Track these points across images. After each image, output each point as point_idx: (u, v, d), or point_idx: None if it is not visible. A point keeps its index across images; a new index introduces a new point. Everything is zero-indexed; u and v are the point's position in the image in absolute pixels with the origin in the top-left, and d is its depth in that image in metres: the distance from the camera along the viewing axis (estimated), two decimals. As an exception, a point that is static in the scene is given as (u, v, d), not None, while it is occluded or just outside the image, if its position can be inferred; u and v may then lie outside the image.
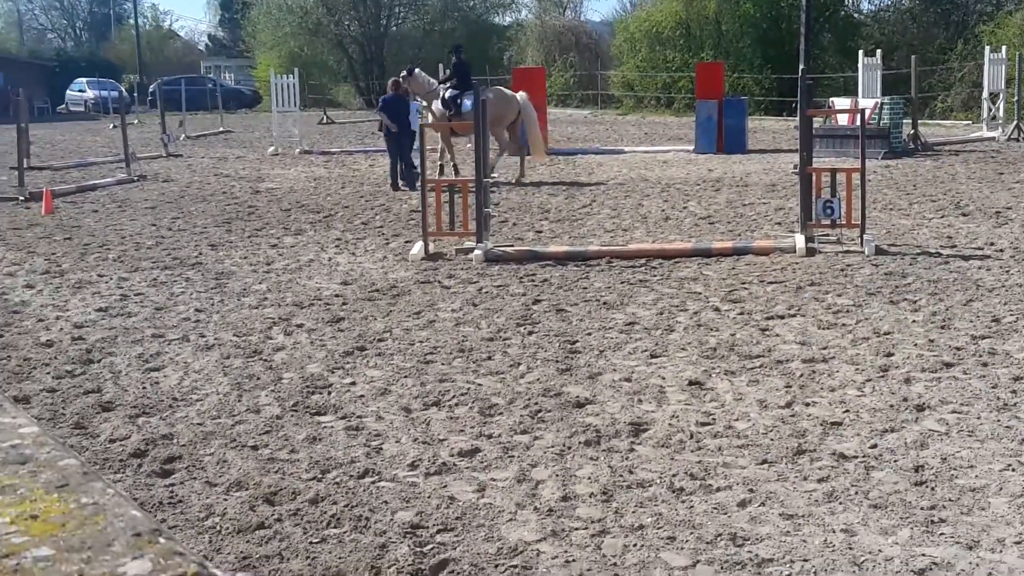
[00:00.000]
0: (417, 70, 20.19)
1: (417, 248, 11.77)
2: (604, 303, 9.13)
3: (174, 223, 14.70)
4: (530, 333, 8.15)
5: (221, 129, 37.11)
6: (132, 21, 75.66)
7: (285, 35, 59.19)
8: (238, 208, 16.20)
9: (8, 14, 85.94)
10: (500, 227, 13.52)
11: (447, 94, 19.57)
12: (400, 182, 18.32)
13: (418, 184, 14.11)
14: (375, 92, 49.76)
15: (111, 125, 40.53)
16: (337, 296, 9.69)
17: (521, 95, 19.64)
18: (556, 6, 62.12)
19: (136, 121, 41.07)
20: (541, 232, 13.36)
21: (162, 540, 0.94)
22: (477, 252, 11.32)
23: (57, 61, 66.42)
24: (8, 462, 1.14)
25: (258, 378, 7.06)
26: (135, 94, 52.84)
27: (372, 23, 60.37)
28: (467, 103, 18.36)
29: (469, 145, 20.13)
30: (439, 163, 19.90)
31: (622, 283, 9.97)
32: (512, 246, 11.92)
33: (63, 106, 58.52)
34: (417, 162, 15.07)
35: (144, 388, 6.88)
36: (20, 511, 1.03)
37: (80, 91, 59.16)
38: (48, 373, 7.27)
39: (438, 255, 11.71)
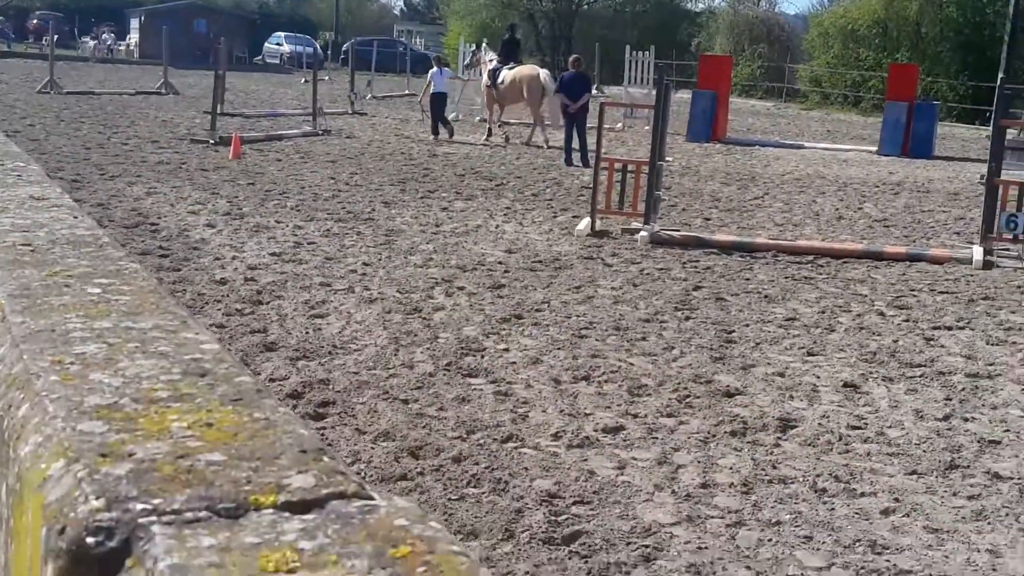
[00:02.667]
0: (485, 46, 24.11)
1: (584, 224, 11.83)
2: (765, 296, 9.03)
3: (352, 178, 15.11)
4: (687, 318, 8.12)
5: (407, 92, 37.79)
6: (334, -20, 77.53)
7: (478, 5, 59.96)
8: (414, 169, 16.53)
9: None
10: (669, 211, 13.46)
11: (491, 66, 22.26)
12: (574, 158, 18.40)
13: (591, 161, 14.26)
14: (559, 68, 49.86)
15: (303, 79, 41.74)
16: (500, 263, 9.83)
17: (544, 73, 21.85)
18: (751, -4, 60.96)
19: (327, 78, 42.09)
20: (709, 220, 13.25)
21: (325, 459, 1.01)
22: (643, 233, 11.31)
23: (259, 14, 68.81)
24: (189, 373, 1.24)
25: (415, 335, 7.24)
26: (328, 51, 54.30)
27: (565, 1, 60.58)
28: (503, 75, 21.60)
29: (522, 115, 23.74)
30: (488, 126, 22.39)
31: (786, 278, 9.83)
32: (679, 231, 11.86)
33: (260, 57, 60.59)
34: (591, 141, 15.15)
35: (307, 333, 7.14)
36: (196, 419, 1.12)
37: (277, 44, 61.24)
38: (219, 310, 7.61)
39: (604, 233, 11.74)
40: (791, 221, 13.41)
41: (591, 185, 12.45)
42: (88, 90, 29.55)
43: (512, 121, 24.23)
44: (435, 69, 22.57)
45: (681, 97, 31.90)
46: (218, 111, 19.69)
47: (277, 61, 59.05)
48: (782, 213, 14.05)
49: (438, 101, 22.04)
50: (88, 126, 20.02)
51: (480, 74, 23.15)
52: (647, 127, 23.78)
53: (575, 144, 18.39)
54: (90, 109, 23.70)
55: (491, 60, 22.62)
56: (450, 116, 26.68)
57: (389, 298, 8.24)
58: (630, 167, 12.42)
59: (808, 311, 8.58)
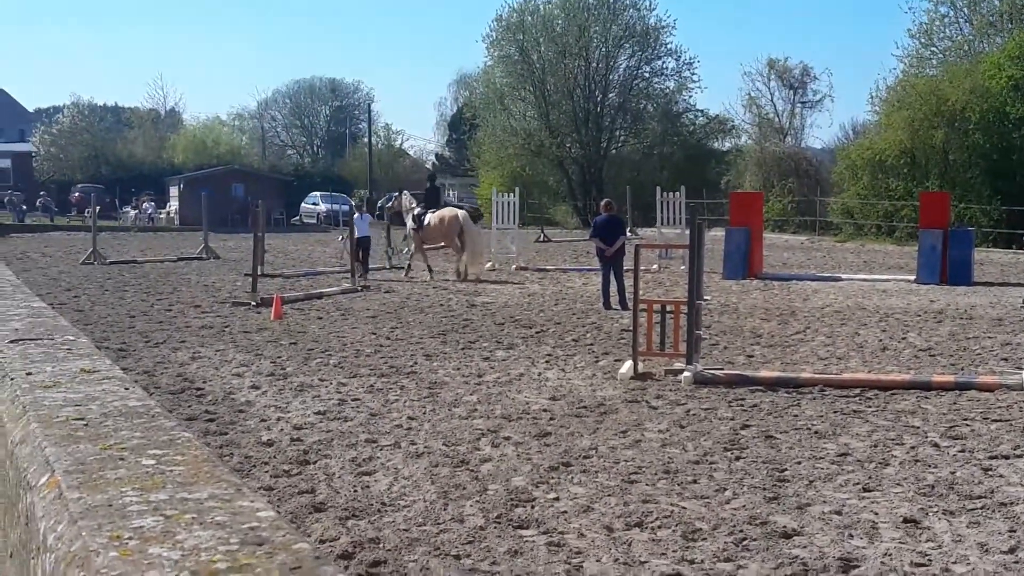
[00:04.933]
0: (405, 193, 27.16)
1: (626, 367, 11.79)
2: (815, 432, 8.90)
3: (392, 332, 15.21)
4: (737, 458, 8.01)
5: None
6: (366, 139, 79.36)
7: (508, 155, 61.02)
8: (453, 320, 16.63)
9: (253, 131, 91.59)
10: (711, 350, 13.41)
11: (416, 212, 25.18)
12: (612, 301, 18.45)
13: (630, 303, 14.33)
14: (592, 212, 50.46)
15: (340, 237, 42.41)
16: (545, 411, 9.79)
17: (463, 213, 25.10)
18: (777, 133, 61.92)
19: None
20: (752, 356, 13.18)
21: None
22: (687, 374, 11.25)
23: (294, 176, 70.48)
24: (247, 543, 1.23)
25: (464, 488, 7.17)
26: (364, 208, 55.33)
27: (593, 145, 61.68)
28: (428, 218, 24.57)
29: (443, 249, 26.42)
30: (410, 263, 25.23)
31: (835, 412, 9.71)
32: (722, 369, 11.80)
33: (297, 218, 61.87)
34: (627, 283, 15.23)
35: (355, 491, 7.09)
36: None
37: (314, 204, 62.57)
38: (267, 471, 7.58)
39: (647, 375, 11.69)
40: (835, 354, 13.31)
41: (631, 328, 12.45)
42: (131, 259, 30.21)
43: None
44: (356, 215, 25.14)
45: (715, 235, 32.15)
46: (258, 273, 20.02)
47: (314, 220, 60.28)
48: (825, 347, 13.96)
49: (361, 245, 24.31)
50: (132, 294, 20.37)
51: (404, 221, 26.28)
52: (683, 267, 23.98)
53: (613, 288, 18.46)
54: (133, 278, 24.16)
55: (414, 206, 25.57)
56: (486, 266, 27.03)
57: (436, 451, 8.19)
58: (669, 307, 12.43)
59: (860, 445, 8.44)
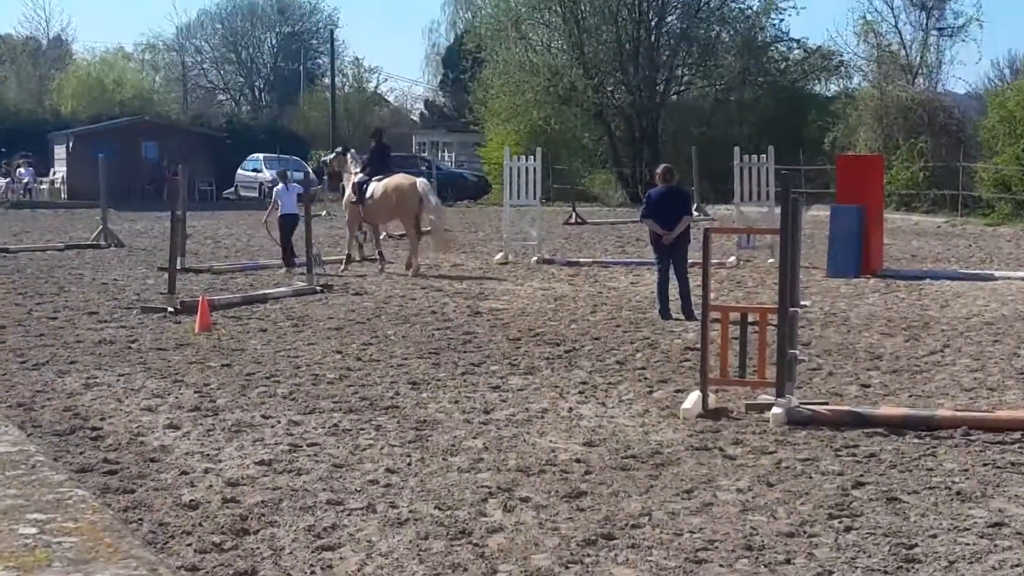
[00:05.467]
0: (351, 151, 27.92)
1: (692, 401, 11.78)
2: (957, 493, 8.89)
3: (364, 351, 15.23)
4: (848, 529, 8.00)
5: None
6: (327, 80, 79.26)
7: (527, 103, 60.58)
8: (450, 334, 16.64)
9: (170, 68, 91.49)
10: (810, 377, 13.40)
11: (356, 179, 25.90)
12: (671, 308, 18.40)
13: (696, 311, 14.29)
14: (644, 182, 50.44)
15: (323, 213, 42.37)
16: (578, 461, 9.78)
17: (421, 182, 25.80)
18: (903, 72, 61.43)
19: (324, 213, 42.86)
20: (868, 387, 13.15)
21: None
22: (777, 410, 11.23)
23: (228, 131, 70.31)
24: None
25: (465, 569, 7.19)
26: (325, 177, 55.32)
27: (645, 89, 61.19)
28: (372, 188, 25.23)
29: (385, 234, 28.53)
30: (347, 252, 26.29)
31: (985, 465, 9.69)
32: (826, 404, 11.77)
33: (231, 190, 61.94)
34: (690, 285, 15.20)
35: (313, 573, 7.10)
36: None
37: (255, 170, 62.36)
38: (190, 545, 7.59)
39: (721, 412, 11.68)
40: (985, 384, 13.29)
41: (698, 345, 12.42)
42: (0, 246, 30.26)
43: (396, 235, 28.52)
44: (280, 186, 26.67)
45: (816, 215, 32.08)
46: (178, 267, 20.02)
47: (255, 193, 60.05)
48: (971, 372, 13.93)
49: (287, 224, 25.73)
50: (1, 296, 20.42)
51: (341, 188, 27.48)
52: (771, 259, 23.92)
53: (673, 289, 18.40)
54: (2, 273, 24.26)
55: (356, 172, 26.36)
56: (496, 257, 27.04)
57: (425, 518, 8.20)
58: (751, 317, 12.39)
59: (1020, 512, 8.42)
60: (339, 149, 28.97)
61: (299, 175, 51.97)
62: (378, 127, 33.54)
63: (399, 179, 25.60)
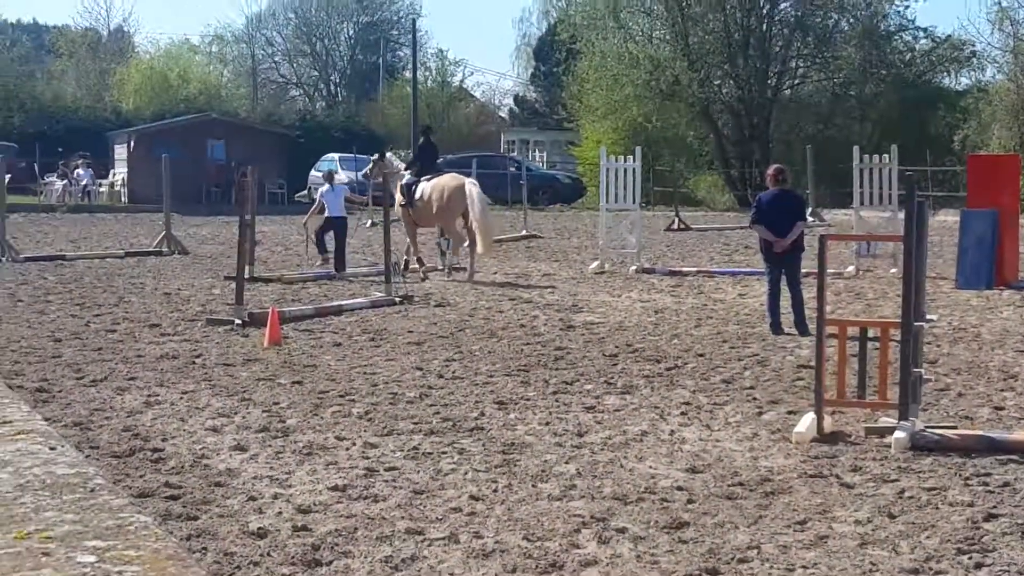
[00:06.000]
0: (389, 154, 29.06)
1: (806, 423, 11.71)
2: (1103, 528, 8.77)
3: (447, 367, 15.26)
4: (978, 566, 7.92)
5: (524, 232, 38.35)
6: (408, 74, 79.40)
7: (625, 98, 60.53)
8: (540, 349, 16.65)
9: (239, 62, 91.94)
10: (938, 398, 13.28)
11: (404, 180, 26.63)
12: (783, 322, 18.32)
13: (811, 325, 14.22)
14: (754, 185, 50.26)
15: (368, 222, 42.69)
16: (680, 489, 9.75)
17: (470, 182, 26.13)
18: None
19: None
20: (1002, 409, 13.02)
21: None
22: (900, 434, 11.14)
23: (301, 129, 70.60)
24: None
25: (557, 605, 7.17)
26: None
27: (756, 83, 60.99)
28: (420, 189, 25.94)
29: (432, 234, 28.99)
30: (404, 258, 26.44)
31: None
32: (955, 428, 11.66)
33: (304, 192, 62.16)
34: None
35: (392, 607, 7.13)
36: None
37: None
38: None
39: (838, 435, 11.60)
40: None
41: (812, 363, 12.35)
42: (56, 254, 30.67)
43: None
44: (326, 187, 27.88)
45: (944, 220, 31.77)
46: (246, 276, 20.16)
47: (330, 196, 60.39)
48: (1119, 393, 13.77)
49: (337, 227, 27.14)
50: (57, 306, 20.70)
51: (391, 192, 27.04)
52: (893, 269, 23.74)
53: (785, 301, 18.31)
54: (59, 282, 24.56)
55: (402, 172, 27.32)
56: (591, 266, 27.08)
57: (512, 549, 8.20)
58: (872, 332, 12.30)
59: None
60: (375, 156, 29.46)
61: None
62: (427, 124, 34.58)
63: (447, 179, 26.25)
